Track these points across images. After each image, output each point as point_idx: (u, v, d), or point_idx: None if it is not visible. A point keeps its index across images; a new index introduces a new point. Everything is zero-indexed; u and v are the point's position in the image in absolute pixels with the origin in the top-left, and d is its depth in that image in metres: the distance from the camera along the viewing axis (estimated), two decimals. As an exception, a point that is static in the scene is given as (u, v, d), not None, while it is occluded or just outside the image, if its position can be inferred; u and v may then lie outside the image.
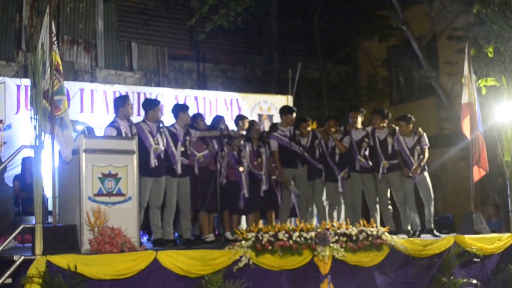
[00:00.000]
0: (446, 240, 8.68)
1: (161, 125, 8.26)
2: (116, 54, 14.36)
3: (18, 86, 10.71)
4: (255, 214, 9.23)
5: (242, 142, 9.20)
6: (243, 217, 9.56)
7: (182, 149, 8.43)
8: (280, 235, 7.42)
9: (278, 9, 16.35)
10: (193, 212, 8.67)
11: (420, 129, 9.77)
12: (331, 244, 7.61)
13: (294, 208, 9.76)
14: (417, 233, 9.47)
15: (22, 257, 6.25)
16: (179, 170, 8.30)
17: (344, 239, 7.79)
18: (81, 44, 13.88)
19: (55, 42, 6.92)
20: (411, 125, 9.69)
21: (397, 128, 9.75)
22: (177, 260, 6.81)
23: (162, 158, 8.13)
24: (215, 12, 13.94)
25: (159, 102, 8.53)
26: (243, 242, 7.22)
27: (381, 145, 9.67)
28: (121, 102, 8.08)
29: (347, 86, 18.19)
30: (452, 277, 8.39)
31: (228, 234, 8.80)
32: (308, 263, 7.58)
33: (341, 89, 17.99)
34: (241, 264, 7.10)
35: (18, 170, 9.72)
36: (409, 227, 9.58)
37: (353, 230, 7.91)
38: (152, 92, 12.18)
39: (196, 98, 12.52)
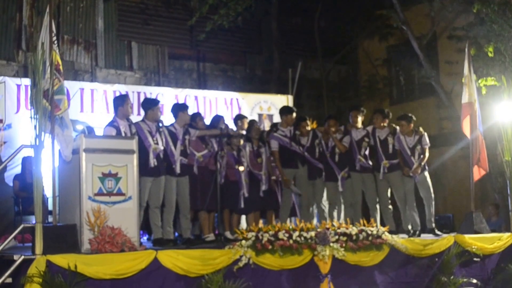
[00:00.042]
0: (446, 240, 8.68)
1: (160, 124, 8.25)
2: (116, 54, 14.36)
3: (18, 86, 10.71)
4: (255, 214, 9.24)
5: (242, 142, 9.19)
6: (243, 217, 9.57)
7: (182, 148, 8.44)
8: (280, 235, 7.43)
9: (278, 9, 16.34)
10: (193, 212, 8.68)
11: (421, 129, 9.77)
12: (331, 244, 7.61)
13: (294, 207, 9.77)
14: (417, 232, 9.47)
15: (22, 257, 6.25)
16: (178, 169, 8.30)
17: (344, 238, 7.79)
18: (81, 43, 13.87)
19: (55, 42, 6.92)
20: (412, 125, 9.69)
21: (397, 127, 9.75)
22: (177, 260, 6.81)
23: (161, 157, 8.13)
24: (215, 12, 13.93)
25: (158, 101, 8.52)
26: (243, 241, 7.22)
27: (382, 145, 9.67)
28: (120, 101, 8.08)
29: (347, 86, 18.19)
30: (452, 277, 8.39)
31: (228, 234, 8.81)
32: (308, 262, 7.59)
33: (341, 88, 17.99)
34: (241, 264, 7.10)
35: (18, 169, 9.72)
36: (409, 227, 9.58)
37: (353, 230, 7.92)
38: (152, 91, 12.18)
39: (196, 97, 12.52)
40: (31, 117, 6.62)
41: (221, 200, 8.34)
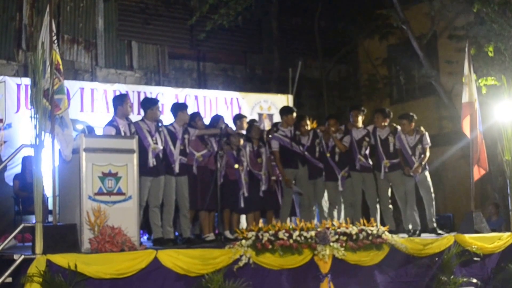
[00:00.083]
0: (446, 239, 8.68)
1: (159, 124, 8.25)
2: (116, 53, 14.36)
3: (18, 85, 10.71)
4: (255, 214, 9.24)
5: (242, 142, 9.19)
6: (243, 217, 9.57)
7: (181, 148, 8.43)
8: (280, 234, 7.43)
9: (278, 8, 16.35)
10: (193, 212, 8.68)
11: (422, 128, 9.77)
12: (331, 243, 7.61)
13: (293, 207, 9.77)
14: (417, 232, 9.47)
15: (22, 256, 6.25)
16: (177, 169, 8.30)
17: (344, 238, 7.79)
18: (81, 43, 13.88)
19: (55, 41, 6.92)
20: (413, 124, 9.68)
21: (398, 127, 9.75)
22: (177, 259, 6.81)
23: (161, 157, 8.12)
24: (215, 11, 13.93)
25: (157, 101, 8.51)
26: (244, 241, 7.22)
27: (383, 144, 9.67)
28: (119, 101, 8.07)
29: (348, 85, 18.19)
30: (452, 276, 8.39)
31: (228, 233, 8.81)
32: (308, 262, 7.59)
33: (341, 88, 17.99)
34: (241, 263, 7.10)
35: (18, 169, 9.72)
36: (410, 226, 9.57)
37: (353, 229, 7.92)
38: (153, 91, 12.19)
39: (196, 97, 12.52)
40: (31, 117, 6.62)
41: (221, 199, 8.34)
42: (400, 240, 8.22)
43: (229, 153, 9.02)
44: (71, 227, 6.78)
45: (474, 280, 8.58)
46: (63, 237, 6.58)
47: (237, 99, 12.91)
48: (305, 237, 7.53)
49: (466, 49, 9.76)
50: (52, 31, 6.86)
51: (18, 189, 9.27)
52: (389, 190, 9.73)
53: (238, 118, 9.66)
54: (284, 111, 9.95)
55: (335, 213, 9.69)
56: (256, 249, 7.22)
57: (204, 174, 8.67)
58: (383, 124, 9.74)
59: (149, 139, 8.01)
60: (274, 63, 16.23)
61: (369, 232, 7.99)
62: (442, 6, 13.80)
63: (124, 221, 6.88)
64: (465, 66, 9.65)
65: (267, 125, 12.12)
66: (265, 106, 13.11)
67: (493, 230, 9.76)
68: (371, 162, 9.78)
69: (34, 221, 6.58)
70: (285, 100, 13.22)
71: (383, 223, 8.97)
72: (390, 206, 9.72)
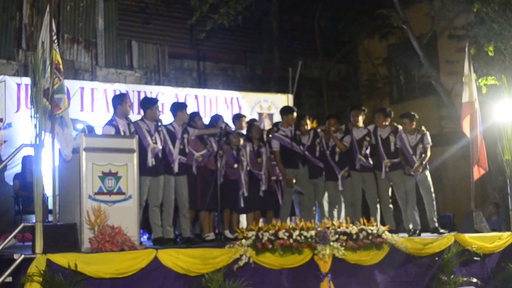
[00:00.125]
0: (446, 239, 8.68)
1: (159, 124, 8.24)
2: (117, 53, 14.36)
3: (19, 85, 10.70)
4: (255, 213, 9.24)
5: (242, 141, 9.18)
6: (243, 216, 9.57)
7: (181, 147, 8.43)
8: (281, 234, 7.43)
9: (278, 8, 16.34)
10: (193, 211, 8.67)
11: (423, 128, 9.77)
12: (331, 243, 7.62)
13: (293, 207, 9.76)
14: (417, 231, 9.47)
15: (22, 256, 6.25)
16: (176, 168, 8.30)
17: (344, 237, 7.80)
18: (82, 42, 13.88)
19: (56, 41, 6.93)
20: (414, 123, 9.68)
21: (399, 126, 9.74)
22: (177, 259, 6.81)
23: (160, 157, 8.12)
24: (215, 11, 13.93)
25: (157, 100, 8.50)
26: (244, 240, 7.22)
27: (384, 144, 9.67)
28: (119, 100, 8.07)
29: (348, 85, 18.20)
30: (452, 276, 8.39)
31: (227, 233, 8.80)
32: (308, 261, 7.59)
33: (342, 87, 18.00)
34: (241, 263, 7.10)
35: (18, 168, 9.72)
36: (410, 226, 9.57)
37: (353, 229, 7.92)
38: (153, 90, 12.17)
39: (196, 96, 12.51)
40: (31, 116, 6.62)
41: (221, 199, 8.33)
42: (400, 239, 8.22)
43: (229, 153, 9.01)
44: (71, 226, 6.78)
45: (474, 280, 8.59)
46: (63, 236, 6.58)
47: (237, 98, 12.91)
48: (305, 237, 7.54)
49: (466, 49, 9.76)
50: (52, 31, 6.86)
51: (18, 189, 9.26)
52: (390, 190, 9.72)
53: (237, 118, 9.65)
54: (285, 111, 9.94)
55: (335, 212, 9.70)
56: (256, 248, 7.23)
57: (204, 174, 8.67)
58: (384, 123, 9.73)
59: (149, 138, 8.00)
60: (274, 62, 16.23)
61: (369, 231, 7.99)
62: (442, 5, 13.81)
63: (124, 220, 6.89)
64: (465, 66, 9.65)
65: (267, 125, 12.11)
66: (265, 105, 13.10)
67: (493, 230, 9.76)
68: (371, 162, 9.78)
69: (34, 221, 6.58)
70: (285, 99, 13.22)
71: (383, 223, 8.97)
72: (391, 205, 9.72)
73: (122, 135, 7.69)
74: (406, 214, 9.64)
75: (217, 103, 12.64)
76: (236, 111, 12.22)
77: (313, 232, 7.60)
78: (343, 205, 9.88)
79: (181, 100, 11.85)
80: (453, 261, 8.49)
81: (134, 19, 14.68)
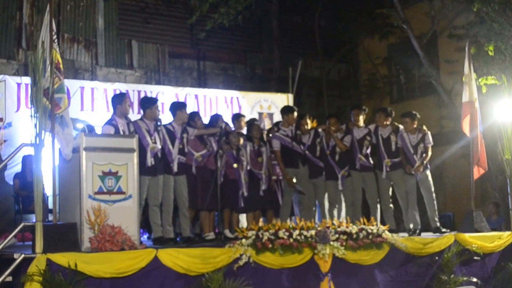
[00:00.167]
0: (446, 239, 8.68)
1: (158, 123, 8.24)
2: (117, 52, 14.37)
3: (19, 84, 10.70)
4: (255, 213, 9.24)
5: (242, 141, 9.18)
6: (243, 216, 9.57)
7: (180, 147, 8.42)
8: (281, 233, 7.43)
9: (278, 7, 16.36)
10: (193, 211, 8.67)
11: (424, 127, 9.76)
12: (332, 242, 7.61)
13: (292, 206, 9.76)
14: (417, 231, 9.47)
15: (23, 255, 6.25)
16: (175, 168, 8.30)
17: (345, 237, 7.80)
18: (82, 42, 13.88)
19: (56, 40, 6.92)
20: (416, 122, 9.67)
21: (400, 126, 9.74)
22: (177, 258, 6.81)
23: (159, 156, 8.12)
24: (215, 10, 13.93)
25: (156, 100, 8.50)
26: (244, 240, 7.22)
27: (384, 143, 9.66)
28: (118, 100, 8.06)
29: (348, 84, 18.21)
30: (452, 276, 8.39)
31: (227, 232, 8.80)
32: (309, 261, 7.59)
33: (342, 87, 18.01)
34: (241, 262, 7.10)
35: (18, 168, 9.72)
36: (411, 226, 9.57)
37: (354, 228, 7.92)
38: (153, 90, 12.18)
39: (196, 96, 12.51)
40: (31, 116, 6.62)
41: (221, 199, 8.33)
42: (400, 239, 8.22)
43: (229, 152, 9.01)
44: (71, 226, 6.78)
45: (474, 279, 8.59)
46: (63, 236, 6.57)
47: (237, 98, 12.91)
48: (305, 236, 7.53)
49: (466, 48, 9.76)
50: (52, 30, 6.86)
51: (18, 188, 9.26)
52: (390, 189, 9.72)
53: (236, 118, 9.64)
54: (285, 110, 9.94)
55: (335, 212, 9.70)
56: (256, 248, 7.22)
57: (204, 174, 8.66)
58: (385, 123, 9.73)
59: (148, 138, 8.00)
60: (274, 62, 16.24)
61: (369, 231, 7.99)
62: (442, 5, 13.82)
63: (124, 220, 6.88)
64: (465, 65, 9.64)
65: (267, 124, 12.12)
66: (265, 105, 13.10)
67: (493, 229, 9.76)
68: (371, 162, 9.77)
69: (34, 220, 6.57)
70: (285, 99, 13.22)
71: (383, 222, 8.97)
72: (391, 205, 9.71)
73: (122, 135, 7.68)
74: (407, 213, 9.64)
75: (217, 102, 12.64)
76: (236, 111, 12.22)
77: (313, 232, 7.60)
78: (343, 205, 9.88)
79: (181, 99, 11.85)
80: (453, 260, 8.49)
81: (134, 18, 14.68)
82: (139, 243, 7.02)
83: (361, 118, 9.78)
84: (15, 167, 9.86)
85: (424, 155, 9.56)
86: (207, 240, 8.49)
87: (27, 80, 8.06)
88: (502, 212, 11.97)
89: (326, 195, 9.77)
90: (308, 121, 9.84)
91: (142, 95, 11.58)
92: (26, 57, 12.56)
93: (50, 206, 7.58)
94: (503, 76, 10.31)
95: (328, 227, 7.77)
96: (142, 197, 7.83)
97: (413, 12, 14.78)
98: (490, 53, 11.35)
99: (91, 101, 11.42)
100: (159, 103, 8.43)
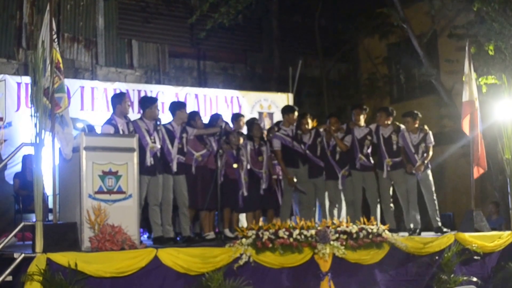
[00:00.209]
0: (446, 238, 8.69)
1: (158, 123, 8.24)
2: (117, 52, 14.37)
3: (19, 84, 10.70)
4: (255, 212, 9.24)
5: (241, 140, 9.18)
6: (243, 215, 9.56)
7: (179, 146, 8.42)
8: (281, 233, 7.43)
9: (278, 7, 16.36)
10: (194, 211, 8.67)
11: (425, 127, 9.76)
12: (332, 242, 7.61)
13: (292, 206, 9.76)
14: (418, 231, 9.47)
15: (23, 255, 6.25)
16: (174, 167, 8.29)
17: (345, 237, 7.80)
18: (82, 41, 13.88)
19: (56, 40, 6.92)
20: (417, 122, 9.67)
21: (401, 125, 9.74)
22: (177, 258, 6.81)
23: (159, 156, 8.11)
24: (215, 10, 13.92)
25: (156, 99, 8.50)
26: (244, 240, 7.22)
27: (385, 143, 9.65)
28: (118, 99, 8.06)
29: (348, 84, 18.20)
30: (452, 275, 8.40)
31: (227, 232, 8.80)
32: (309, 261, 7.59)
33: (342, 87, 18.00)
34: (241, 262, 7.10)
35: (18, 167, 9.72)
36: (411, 225, 9.57)
37: (354, 228, 7.93)
38: (153, 89, 12.18)
39: (196, 95, 12.52)
40: (31, 115, 6.62)
41: (221, 198, 8.33)
42: (400, 238, 8.23)
43: (229, 152, 9.00)
44: (71, 225, 6.78)
45: (474, 279, 8.59)
46: (63, 235, 6.57)
47: (237, 97, 12.91)
48: (305, 236, 7.54)
49: (467, 48, 9.77)
50: (53, 30, 6.86)
51: (18, 188, 9.27)
52: (391, 189, 9.72)
53: (236, 118, 9.63)
54: (286, 110, 9.94)
55: (335, 211, 9.70)
56: (256, 247, 7.22)
57: (204, 174, 8.65)
58: (386, 122, 9.72)
59: (148, 138, 8.00)
60: (274, 61, 16.24)
61: (369, 230, 7.99)
62: (442, 4, 13.80)
63: (124, 219, 6.88)
64: (465, 65, 9.65)
65: (267, 124, 12.12)
66: (265, 104, 13.10)
67: (493, 229, 9.77)
68: (372, 161, 9.77)
69: (34, 220, 6.58)
70: (285, 98, 13.22)
71: (383, 222, 8.97)
72: (392, 205, 9.71)
73: (123, 134, 7.68)
74: (408, 213, 9.63)
75: (217, 102, 12.64)
76: (236, 110, 12.22)
77: (313, 231, 7.60)
78: (343, 204, 9.88)
79: (181, 99, 11.84)
80: (453, 260, 8.50)
81: (134, 18, 14.68)
82: (139, 242, 7.03)
83: (362, 118, 9.77)
84: (15, 166, 9.86)
85: (425, 154, 9.55)
86: (207, 239, 8.49)
87: (27, 79, 8.06)
88: (502, 211, 11.98)
89: (326, 195, 9.76)
90: (309, 121, 9.82)
91: (142, 94, 11.58)
92: (26, 57, 12.56)
93: (50, 205, 7.58)
94: (503, 76, 10.31)
95: (328, 227, 7.77)
96: (142, 196, 7.83)
97: (413, 11, 14.77)
98: (490, 53, 11.35)
99: (91, 100, 11.42)
100: (159, 103, 8.44)
